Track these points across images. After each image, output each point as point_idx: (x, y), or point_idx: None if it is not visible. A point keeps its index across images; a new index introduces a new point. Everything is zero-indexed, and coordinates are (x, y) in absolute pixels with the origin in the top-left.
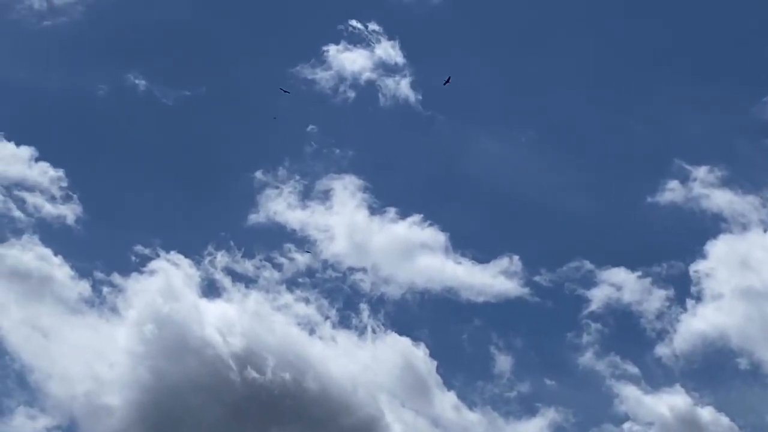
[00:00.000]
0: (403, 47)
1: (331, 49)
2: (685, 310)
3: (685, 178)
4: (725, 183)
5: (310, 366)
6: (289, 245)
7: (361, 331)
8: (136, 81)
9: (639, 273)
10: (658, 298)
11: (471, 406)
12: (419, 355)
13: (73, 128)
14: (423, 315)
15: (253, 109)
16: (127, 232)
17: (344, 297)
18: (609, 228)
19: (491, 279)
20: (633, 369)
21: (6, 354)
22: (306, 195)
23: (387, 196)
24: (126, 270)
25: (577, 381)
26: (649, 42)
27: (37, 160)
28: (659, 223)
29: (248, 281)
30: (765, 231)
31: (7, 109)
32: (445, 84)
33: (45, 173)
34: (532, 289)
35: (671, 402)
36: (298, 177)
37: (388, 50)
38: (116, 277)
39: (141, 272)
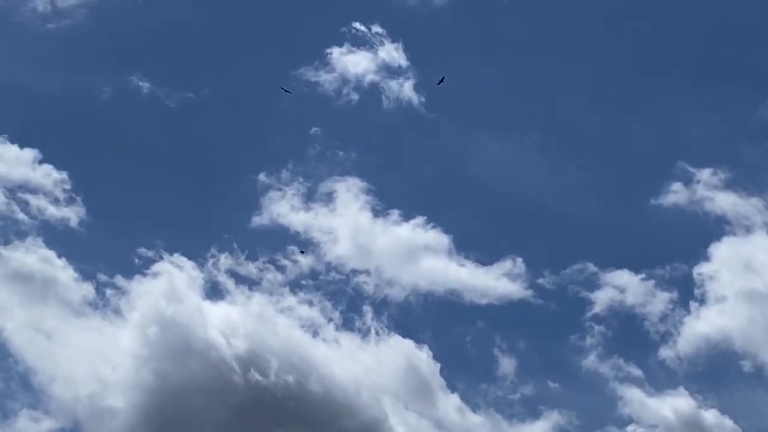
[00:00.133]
0: (407, 50)
1: (335, 52)
2: (689, 312)
3: (688, 181)
4: (729, 185)
5: (313, 368)
6: (292, 247)
7: (365, 334)
8: (140, 83)
9: (642, 275)
10: (661, 301)
11: (474, 408)
12: (423, 357)
13: (77, 130)
14: (426, 317)
15: (257, 112)
16: (130, 235)
17: (347, 299)
18: (612, 230)
19: (494, 281)
20: (637, 371)
21: (10, 356)
22: (309, 197)
23: (390, 198)
24: (129, 272)
25: (580, 383)
26: (653, 44)
27: (40, 162)
28: (663, 226)
29: (251, 283)
30: None
31: (11, 111)
32: (439, 83)
33: (49, 175)
34: (536, 292)
35: (675, 404)
36: (301, 179)
37: (392, 52)
38: (120, 280)
39: (144, 274)
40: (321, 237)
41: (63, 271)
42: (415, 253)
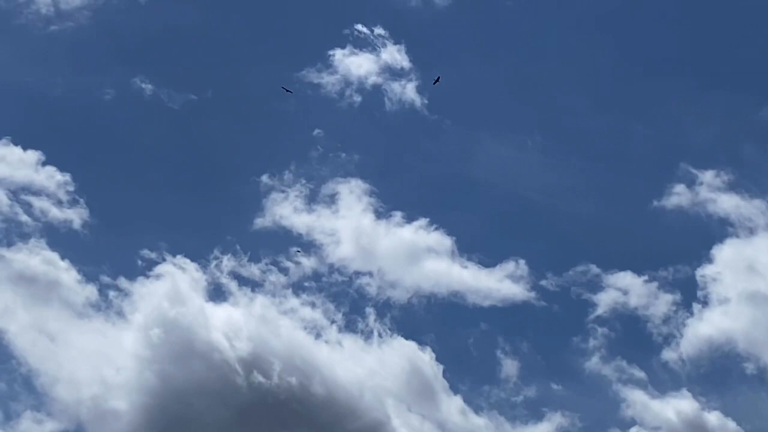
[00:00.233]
0: (409, 51)
1: (337, 53)
2: (692, 314)
3: (691, 182)
4: (732, 187)
5: (316, 370)
6: (295, 249)
7: (368, 336)
8: (143, 85)
9: (645, 277)
10: (664, 303)
11: (477, 410)
12: (425, 359)
13: (80, 132)
14: (429, 319)
15: (259, 113)
16: (133, 236)
17: (350, 301)
18: (615, 232)
19: (497, 283)
20: (639, 373)
21: (13, 358)
22: (312, 199)
23: (393, 200)
24: (132, 274)
25: (583, 385)
26: (656, 46)
27: (43, 164)
28: (666, 228)
29: (254, 285)
30: None
31: (14, 113)
32: (434, 83)
33: (52, 177)
34: (539, 293)
35: (678, 406)
36: (304, 181)
37: (394, 54)
38: (123, 281)
39: (147, 276)
40: (324, 239)
41: (66, 273)
42: (418, 255)
